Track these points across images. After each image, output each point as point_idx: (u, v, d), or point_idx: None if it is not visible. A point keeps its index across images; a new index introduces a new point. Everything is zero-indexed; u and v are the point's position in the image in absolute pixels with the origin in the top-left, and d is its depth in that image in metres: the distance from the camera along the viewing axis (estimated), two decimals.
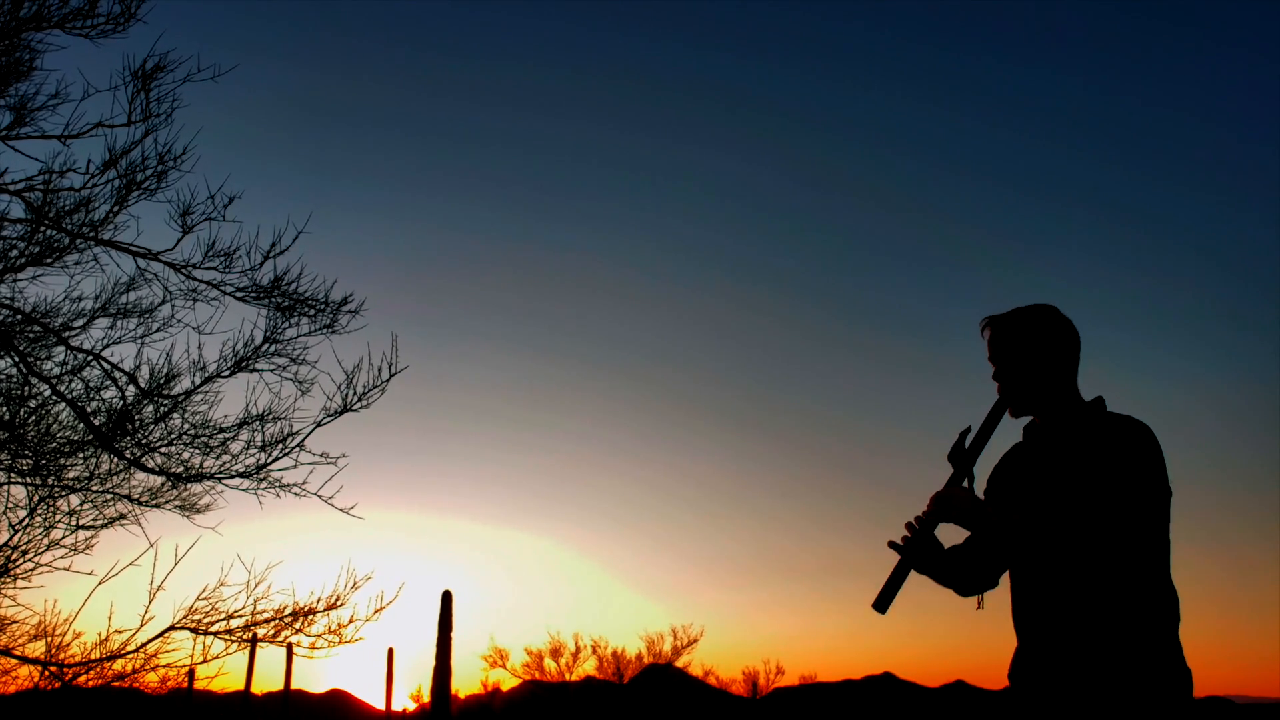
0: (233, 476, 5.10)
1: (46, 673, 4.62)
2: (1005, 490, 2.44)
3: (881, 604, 2.44)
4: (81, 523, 5.17)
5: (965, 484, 2.45)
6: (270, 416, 5.11)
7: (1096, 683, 2.10)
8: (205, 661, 4.69)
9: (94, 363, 5.08)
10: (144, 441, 5.06)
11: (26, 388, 5.05)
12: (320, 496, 4.99)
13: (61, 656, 4.64)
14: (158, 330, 5.17)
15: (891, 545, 2.46)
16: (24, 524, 5.03)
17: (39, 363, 5.08)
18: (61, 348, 5.06)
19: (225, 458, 5.11)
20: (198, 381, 5.10)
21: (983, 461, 2.51)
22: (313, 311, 5.14)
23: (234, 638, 4.77)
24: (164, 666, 4.76)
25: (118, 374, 5.07)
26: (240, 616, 4.74)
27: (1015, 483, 2.41)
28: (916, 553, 2.43)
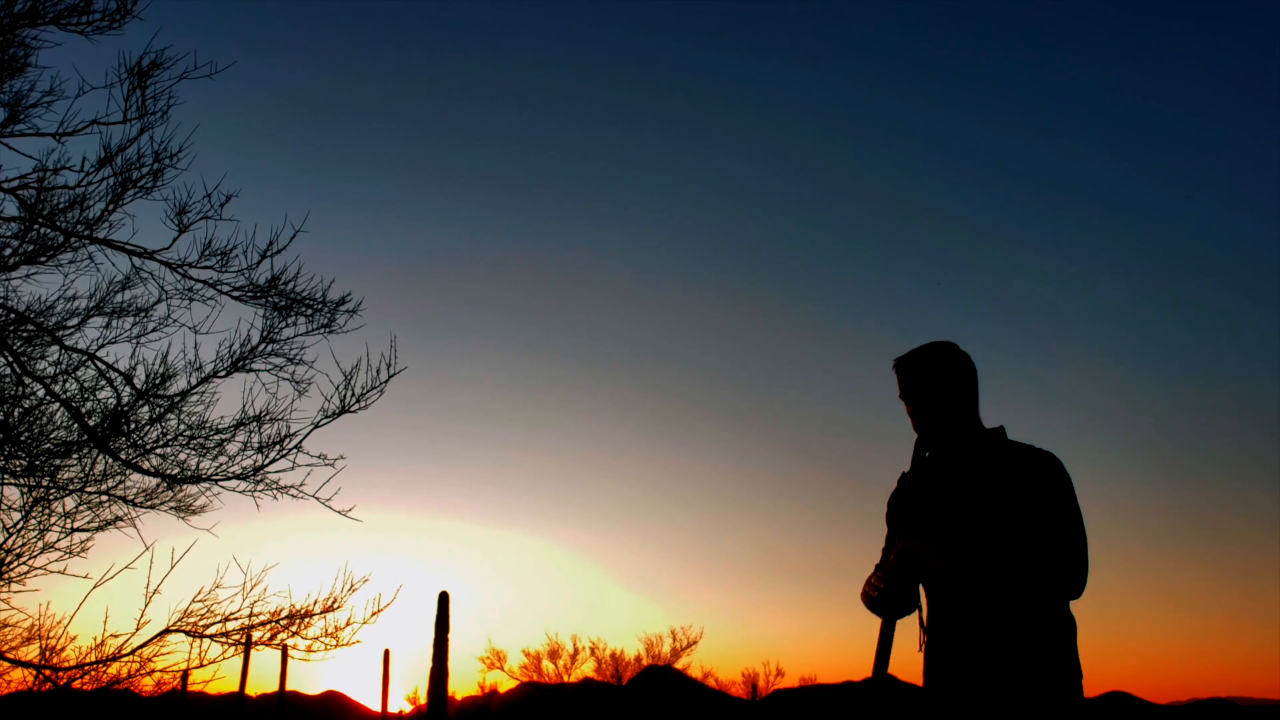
0: (229, 478, 5.05)
1: (40, 676, 4.56)
2: (909, 514, 2.51)
3: (879, 673, 2.39)
4: (76, 525, 5.11)
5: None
6: (267, 417, 5.05)
7: (1001, 683, 2.27)
8: (201, 665, 4.64)
9: (89, 363, 5.03)
10: (139, 443, 5.01)
11: (20, 388, 4.99)
12: (318, 499, 4.94)
13: (55, 660, 4.59)
14: (153, 330, 5.12)
15: (868, 602, 2.47)
16: (18, 526, 4.97)
17: (33, 362, 5.03)
18: (56, 347, 5.01)
19: (222, 459, 5.06)
20: (194, 382, 5.05)
21: (884, 487, 2.65)
22: (310, 311, 5.09)
23: (230, 640, 4.71)
24: (160, 670, 4.71)
25: (113, 374, 5.02)
26: (236, 619, 4.68)
27: (920, 507, 2.49)
28: (896, 609, 2.39)
